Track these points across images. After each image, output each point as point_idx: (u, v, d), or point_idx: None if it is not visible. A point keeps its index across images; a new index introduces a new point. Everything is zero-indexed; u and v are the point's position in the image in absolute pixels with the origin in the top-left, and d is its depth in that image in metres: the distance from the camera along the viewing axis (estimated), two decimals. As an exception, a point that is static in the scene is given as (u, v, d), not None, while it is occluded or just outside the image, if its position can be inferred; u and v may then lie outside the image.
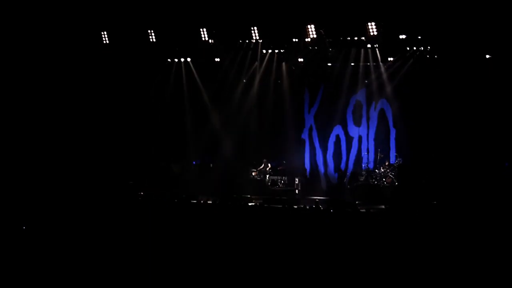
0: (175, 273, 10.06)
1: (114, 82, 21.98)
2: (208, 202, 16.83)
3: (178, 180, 21.38)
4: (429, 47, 19.46)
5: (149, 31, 21.18)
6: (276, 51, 21.37)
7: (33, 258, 10.44)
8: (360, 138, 21.49)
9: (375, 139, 21.21)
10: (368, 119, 21.41)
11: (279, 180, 21.56)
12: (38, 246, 11.12)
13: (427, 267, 10.12)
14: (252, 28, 20.51)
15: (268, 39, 20.88)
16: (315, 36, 19.92)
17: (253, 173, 21.79)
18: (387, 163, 20.36)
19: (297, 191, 20.89)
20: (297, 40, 20.50)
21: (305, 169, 22.07)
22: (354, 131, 21.58)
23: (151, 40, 21.28)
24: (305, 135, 22.25)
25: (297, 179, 21.15)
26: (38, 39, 20.44)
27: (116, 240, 11.76)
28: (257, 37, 20.70)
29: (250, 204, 17.67)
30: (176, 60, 22.56)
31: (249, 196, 19.57)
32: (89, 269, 10.08)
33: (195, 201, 17.26)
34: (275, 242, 11.60)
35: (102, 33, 21.42)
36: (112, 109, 22.17)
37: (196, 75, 22.55)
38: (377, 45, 19.90)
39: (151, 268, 10.12)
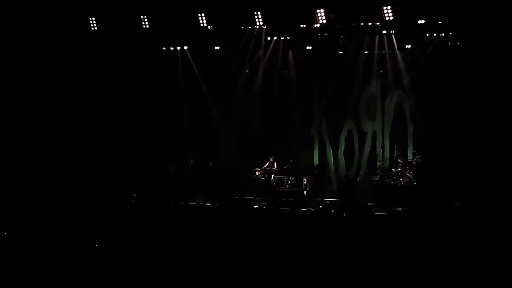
0: (169, 282, 10.02)
1: (103, 74, 21.93)
2: (207, 204, 16.79)
3: (175, 181, 21.39)
4: (450, 34, 19.48)
5: (142, 16, 21.14)
6: (282, 38, 21.39)
7: (23, 260, 10.55)
8: (374, 133, 21.51)
9: (391, 135, 21.27)
10: (383, 113, 21.44)
11: (285, 180, 21.58)
12: (27, 248, 11.19)
13: (448, 275, 10.06)
14: (255, 13, 20.52)
15: (273, 25, 20.90)
16: (324, 21, 19.94)
17: (257, 173, 21.83)
18: (404, 161, 20.29)
19: (305, 192, 20.95)
20: (305, 26, 20.51)
21: (314, 168, 22.04)
22: (367, 126, 21.60)
23: (144, 26, 21.26)
24: (313, 131, 22.27)
25: (305, 179, 21.19)
26: (19, 27, 20.39)
27: (105, 245, 11.73)
28: (261, 23, 20.71)
29: (254, 206, 17.62)
30: (172, 48, 22.57)
31: (252, 198, 19.54)
32: (78, 272, 10.11)
33: (193, 204, 17.22)
34: (281, 249, 11.56)
35: (90, 19, 21.36)
36: (102, 103, 22.14)
37: (194, 65, 22.56)
38: (393, 31, 19.93)
39: (143, 276, 10.09)
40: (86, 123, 21.89)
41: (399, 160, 20.34)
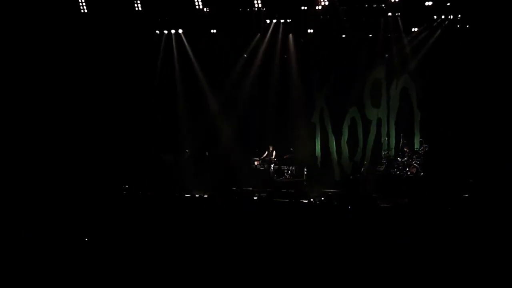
0: (164, 277, 9.98)
1: (93, 59, 21.75)
2: (203, 196, 16.77)
3: (169, 172, 21.31)
4: (459, 16, 19.35)
5: (134, -2, 21.03)
6: (282, 21, 21.24)
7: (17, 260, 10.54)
8: (379, 121, 21.47)
9: (396, 123, 21.22)
10: (388, 99, 21.39)
11: (285, 170, 21.55)
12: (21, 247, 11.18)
13: (456, 270, 10.02)
14: (254, -5, 20.40)
15: (272, 7, 20.78)
16: (326, 3, 19.85)
17: (256, 163, 21.81)
18: (410, 150, 20.23)
19: (306, 183, 20.87)
20: (306, 8, 20.40)
21: (316, 158, 22.05)
22: (372, 113, 21.56)
23: (136, 8, 21.11)
24: (315, 119, 22.21)
25: (306, 169, 21.15)
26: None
27: (96, 239, 11.68)
28: (260, 5, 20.59)
29: (252, 198, 17.57)
30: (165, 32, 22.38)
31: (251, 189, 19.49)
32: (72, 267, 10.15)
33: (188, 196, 17.18)
34: (281, 242, 11.56)
35: (80, 0, 21.20)
36: (92, 90, 21.96)
37: (189, 50, 22.42)
38: (398, 14, 19.83)
39: (136, 271, 10.06)
40: (73, 110, 21.71)
41: (405, 149, 20.27)
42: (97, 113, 21.95)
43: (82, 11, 21.28)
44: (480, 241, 11.15)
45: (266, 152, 21.80)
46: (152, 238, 11.78)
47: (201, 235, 12.09)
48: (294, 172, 21.44)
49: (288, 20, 21.17)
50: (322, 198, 16.53)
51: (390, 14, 19.81)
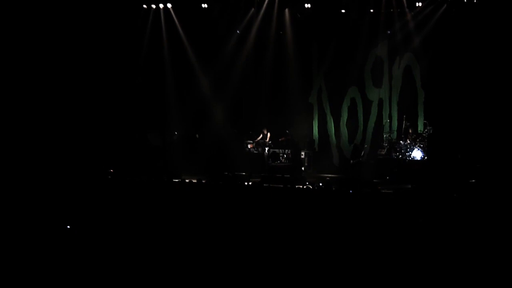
0: (154, 265, 9.95)
1: (76, 36, 21.53)
2: (193, 181, 16.68)
3: (156, 155, 21.23)
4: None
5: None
6: (277, -6, 21.18)
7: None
8: (380, 102, 21.46)
9: (399, 103, 21.26)
10: (390, 78, 21.39)
11: (281, 154, 21.51)
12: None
13: (462, 260, 9.95)
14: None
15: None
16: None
17: (249, 146, 21.82)
18: (414, 133, 20.16)
19: (303, 168, 20.90)
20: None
21: (313, 141, 22.10)
22: (373, 93, 21.55)
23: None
24: (313, 99, 22.16)
25: (303, 153, 21.20)
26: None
27: (79, 226, 11.61)
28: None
29: (245, 183, 17.49)
30: (153, 6, 22.32)
31: (244, 173, 19.42)
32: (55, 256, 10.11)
33: (177, 180, 17.08)
34: (275, 230, 11.47)
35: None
36: (74, 69, 21.75)
37: (178, 25, 22.36)
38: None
39: (125, 260, 10.07)
40: (54, 89, 21.50)
41: (409, 131, 20.19)
42: (80, 93, 21.74)
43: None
44: (488, 230, 11.09)
45: (260, 135, 21.76)
46: (139, 226, 11.69)
47: (191, 223, 11.99)
48: (290, 156, 21.38)
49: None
50: (320, 184, 16.44)
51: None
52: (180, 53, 22.53)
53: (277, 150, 21.55)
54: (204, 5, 21.75)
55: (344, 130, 21.84)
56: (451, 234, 10.99)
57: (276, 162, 21.34)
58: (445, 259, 9.97)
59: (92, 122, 21.61)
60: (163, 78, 22.77)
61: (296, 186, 16.05)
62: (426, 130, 20.12)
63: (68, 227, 11.63)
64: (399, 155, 20.04)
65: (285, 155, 21.51)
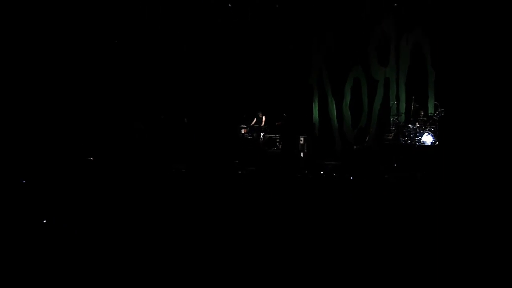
0: (139, 261, 10.02)
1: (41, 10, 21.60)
2: (181, 170, 16.75)
3: (141, 141, 21.22)
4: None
5: None
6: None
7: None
8: (387, 82, 21.45)
9: (407, 83, 21.23)
10: (397, 56, 21.38)
11: (277, 140, 21.50)
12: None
13: (476, 255, 10.03)
14: None
15: None
16: None
17: (243, 131, 21.87)
18: (424, 116, 20.20)
19: (302, 154, 20.91)
20: None
21: (313, 125, 22.05)
22: (379, 72, 21.55)
23: None
24: (312, 79, 22.17)
25: (302, 138, 21.22)
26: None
27: (56, 220, 11.65)
28: None
29: (238, 172, 17.58)
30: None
31: (237, 161, 19.48)
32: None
33: (163, 170, 17.15)
34: (272, 223, 11.55)
35: None
36: (47, 50, 21.76)
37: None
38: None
39: (107, 256, 10.08)
40: (31, 71, 21.53)
41: (419, 113, 20.21)
42: (55, 75, 21.76)
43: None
44: (505, 223, 11.18)
45: (255, 119, 21.83)
46: (122, 219, 11.72)
47: (179, 217, 12.04)
48: (287, 142, 21.41)
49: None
50: (321, 172, 16.53)
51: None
52: (163, 27, 22.45)
53: (273, 136, 21.63)
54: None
55: (347, 113, 21.79)
56: (464, 225, 11.08)
57: (272, 149, 21.41)
58: (457, 256, 10.07)
59: (71, 107, 21.64)
60: (144, 55, 22.64)
61: (295, 175, 16.16)
62: (437, 113, 20.19)
63: (44, 221, 11.71)
64: (407, 140, 20.11)
65: (282, 141, 21.58)
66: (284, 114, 21.65)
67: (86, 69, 21.98)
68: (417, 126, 20.13)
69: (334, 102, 21.97)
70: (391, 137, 20.53)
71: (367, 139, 20.80)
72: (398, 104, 21.22)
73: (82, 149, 19.89)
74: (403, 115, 21.02)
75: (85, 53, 22.01)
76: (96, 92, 21.93)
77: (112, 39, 22.42)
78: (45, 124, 20.49)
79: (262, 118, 21.74)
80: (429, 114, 20.39)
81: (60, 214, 11.93)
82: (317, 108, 22.19)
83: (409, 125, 20.35)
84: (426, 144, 19.86)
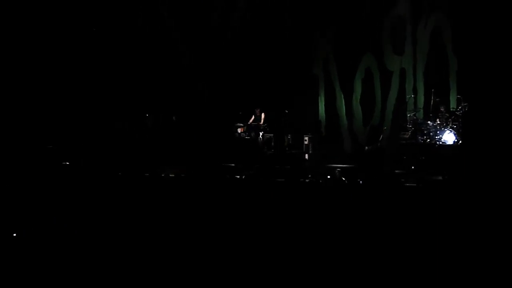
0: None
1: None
2: (170, 175, 16.74)
3: (124, 143, 21.24)
4: None
5: None
6: None
7: None
8: (402, 72, 21.53)
9: (426, 74, 21.31)
10: (414, 43, 21.53)
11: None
12: None
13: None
14: None
15: None
16: None
17: (239, 130, 21.86)
18: (445, 111, 20.18)
19: (307, 156, 20.96)
20: None
21: (319, 122, 22.12)
22: (393, 62, 21.70)
23: None
24: (317, 70, 22.20)
25: (306, 138, 21.28)
26: None
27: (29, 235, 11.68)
28: None
29: (235, 177, 17.57)
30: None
31: (233, 165, 19.47)
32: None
33: (148, 175, 17.13)
34: (273, 234, 11.60)
35: None
36: (18, 37, 21.84)
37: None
38: None
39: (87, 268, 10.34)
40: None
41: (439, 109, 20.22)
42: (25, 66, 21.87)
43: None
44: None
45: (253, 116, 21.85)
46: (100, 229, 11.89)
47: (168, 226, 12.14)
48: (290, 141, 21.48)
49: None
50: (328, 177, 16.53)
51: None
52: (153, 16, 22.69)
53: (273, 135, 21.65)
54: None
55: (357, 108, 21.94)
56: (491, 235, 11.07)
57: (273, 150, 21.43)
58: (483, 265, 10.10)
59: (49, 106, 21.75)
60: (130, 47, 22.79)
61: (299, 180, 16.14)
62: (460, 108, 20.19)
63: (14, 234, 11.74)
64: (426, 139, 20.13)
65: (284, 141, 21.59)
66: (286, 111, 21.67)
67: (67, 66, 22.14)
68: (438, 123, 20.14)
69: (342, 96, 22.05)
70: (407, 136, 20.54)
71: (380, 139, 20.77)
72: (415, 98, 21.27)
73: (56, 150, 19.99)
74: (421, 110, 21.07)
75: (68, 50, 22.18)
76: (75, 90, 22.07)
77: (92, 28, 22.49)
78: (19, 124, 20.63)
79: (260, 116, 21.73)
80: (451, 109, 20.41)
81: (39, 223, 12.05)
82: (323, 103, 22.29)
83: (428, 122, 20.37)
84: (447, 143, 19.85)
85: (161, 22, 22.63)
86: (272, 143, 21.58)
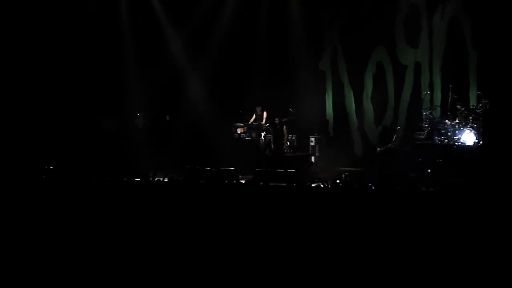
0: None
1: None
2: (164, 180, 16.69)
3: (114, 144, 21.27)
4: None
5: None
6: None
7: None
8: (417, 67, 21.55)
9: (443, 69, 21.27)
10: (430, 35, 21.54)
11: (282, 141, 21.50)
12: None
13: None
14: None
15: None
16: None
17: (239, 130, 21.89)
18: (464, 109, 20.16)
19: (313, 158, 21.10)
20: None
21: (326, 121, 22.15)
22: (407, 55, 21.70)
23: None
24: (325, 64, 22.17)
25: (312, 139, 21.33)
26: None
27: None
28: None
29: (234, 181, 17.53)
30: None
31: (233, 168, 19.43)
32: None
33: (140, 180, 17.09)
34: (277, 242, 11.63)
35: None
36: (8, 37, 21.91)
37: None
38: None
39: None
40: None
41: (457, 107, 20.20)
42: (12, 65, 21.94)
43: None
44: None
45: (254, 116, 21.87)
46: (89, 235, 11.92)
47: (160, 234, 12.11)
48: (295, 143, 21.51)
49: None
50: (337, 181, 16.46)
51: None
52: (144, 9, 22.77)
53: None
54: None
55: (368, 106, 21.98)
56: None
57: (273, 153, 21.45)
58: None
59: (28, 105, 21.81)
60: (120, 42, 22.94)
61: (304, 184, 16.09)
62: (480, 105, 20.12)
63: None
64: (444, 139, 20.07)
65: (288, 142, 21.60)
66: (290, 109, 21.65)
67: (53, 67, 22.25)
68: (456, 122, 20.09)
69: (352, 92, 22.05)
70: (423, 136, 20.49)
71: (393, 139, 20.74)
72: (432, 94, 21.23)
73: (42, 156, 20.02)
74: (438, 108, 21.01)
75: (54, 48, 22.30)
76: (62, 89, 22.22)
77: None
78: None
79: (262, 115, 21.73)
80: (471, 107, 20.34)
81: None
82: (330, 101, 22.29)
83: (446, 120, 20.31)
84: (467, 144, 19.80)
85: (154, 20, 22.63)
86: (272, 146, 21.60)
